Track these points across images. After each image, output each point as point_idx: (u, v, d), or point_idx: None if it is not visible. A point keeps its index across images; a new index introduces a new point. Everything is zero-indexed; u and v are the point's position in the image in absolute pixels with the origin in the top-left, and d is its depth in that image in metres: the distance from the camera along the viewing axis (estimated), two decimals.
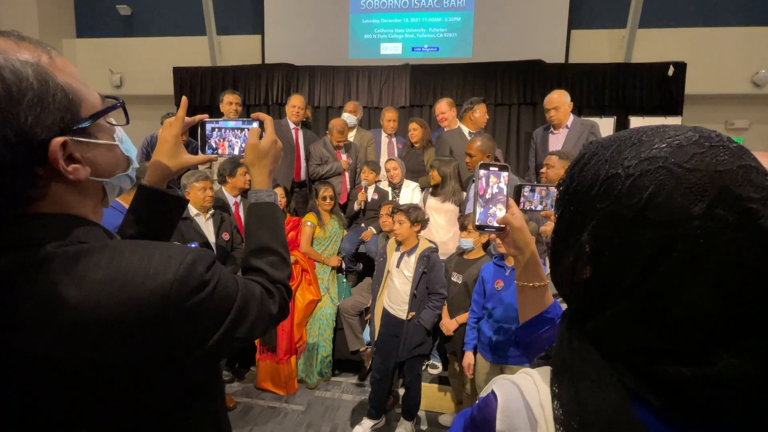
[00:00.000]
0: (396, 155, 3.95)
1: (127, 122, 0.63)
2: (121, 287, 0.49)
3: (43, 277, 0.49)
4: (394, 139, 4.13)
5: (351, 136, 4.05)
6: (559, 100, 3.25)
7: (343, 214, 3.60)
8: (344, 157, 3.75)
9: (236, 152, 0.89)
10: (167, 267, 0.52)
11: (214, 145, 0.89)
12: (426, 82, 5.13)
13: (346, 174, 3.78)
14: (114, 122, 0.60)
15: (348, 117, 3.99)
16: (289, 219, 3.33)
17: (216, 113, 4.25)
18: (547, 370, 0.46)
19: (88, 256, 0.50)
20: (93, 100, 0.54)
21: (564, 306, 0.81)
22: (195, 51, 5.66)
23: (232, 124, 0.88)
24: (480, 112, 3.49)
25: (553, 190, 1.08)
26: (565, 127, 3.28)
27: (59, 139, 0.49)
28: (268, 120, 0.85)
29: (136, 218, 0.80)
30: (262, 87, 5.38)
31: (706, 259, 0.36)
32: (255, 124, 0.86)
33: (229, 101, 3.76)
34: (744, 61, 4.87)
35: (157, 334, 0.51)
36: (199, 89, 5.46)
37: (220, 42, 5.69)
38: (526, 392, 0.44)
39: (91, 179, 0.54)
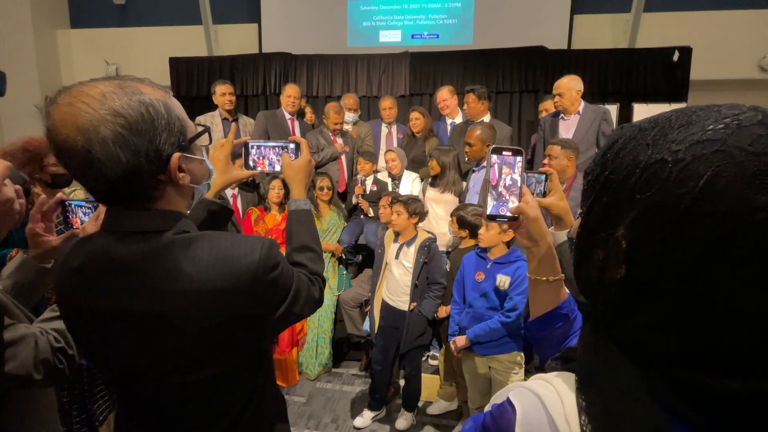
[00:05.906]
0: (396, 145, 3.89)
1: (210, 142, 0.83)
2: (224, 264, 0.66)
3: (168, 257, 0.66)
4: (394, 129, 4.05)
5: (348, 129, 3.98)
6: (565, 86, 3.13)
7: (343, 205, 3.56)
8: (340, 141, 3.68)
9: (276, 168, 1.03)
10: (254, 250, 0.69)
11: (254, 162, 1.04)
12: (426, 70, 5.04)
13: (344, 162, 3.72)
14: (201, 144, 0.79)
15: (348, 116, 3.88)
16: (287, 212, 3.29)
17: (213, 104, 4.20)
18: (569, 378, 0.42)
19: (195, 242, 0.68)
20: (191, 126, 0.72)
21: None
22: (191, 41, 5.58)
23: (271, 144, 1.03)
24: (467, 103, 3.39)
25: (541, 177, 1.04)
26: (576, 113, 3.19)
27: (178, 154, 0.67)
28: (303, 143, 1.02)
29: (192, 221, 0.98)
30: (259, 77, 5.30)
31: None
32: (292, 146, 1.02)
33: (222, 92, 3.66)
34: (750, 45, 4.76)
35: (247, 299, 0.68)
36: (195, 79, 5.39)
37: (216, 31, 5.60)
38: (548, 404, 0.41)
39: (189, 185, 0.72)
